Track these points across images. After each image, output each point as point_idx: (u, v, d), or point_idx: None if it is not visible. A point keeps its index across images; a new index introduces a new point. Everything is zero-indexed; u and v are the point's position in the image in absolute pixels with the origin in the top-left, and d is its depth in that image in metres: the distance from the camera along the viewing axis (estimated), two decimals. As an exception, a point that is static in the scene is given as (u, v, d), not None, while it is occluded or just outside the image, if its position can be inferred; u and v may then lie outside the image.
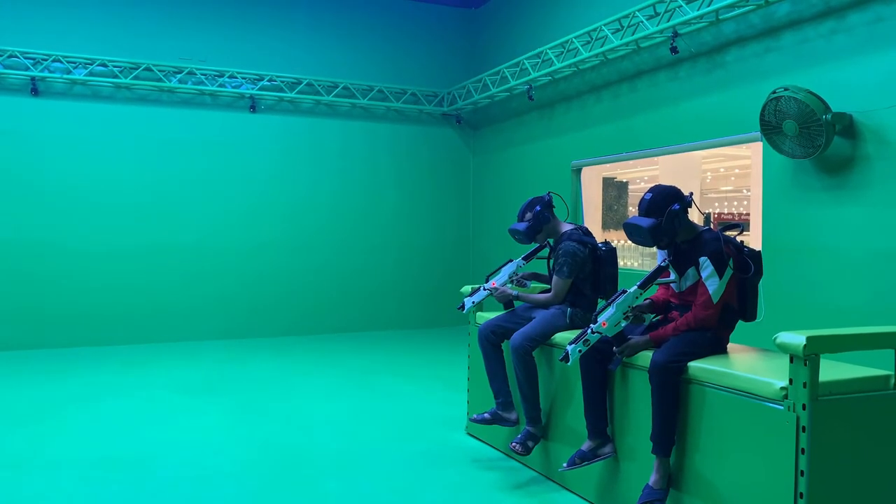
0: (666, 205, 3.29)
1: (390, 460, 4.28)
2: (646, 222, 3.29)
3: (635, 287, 3.38)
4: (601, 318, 3.34)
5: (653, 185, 3.49)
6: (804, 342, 2.55)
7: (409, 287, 9.79)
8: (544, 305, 4.21)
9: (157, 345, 8.32)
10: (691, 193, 3.39)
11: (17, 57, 7.83)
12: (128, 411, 5.34)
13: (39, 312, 8.01)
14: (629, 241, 8.43)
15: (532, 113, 8.58)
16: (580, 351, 3.35)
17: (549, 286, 4.32)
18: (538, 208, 4.24)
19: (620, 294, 3.37)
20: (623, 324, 3.36)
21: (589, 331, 3.35)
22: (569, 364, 3.37)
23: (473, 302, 4.47)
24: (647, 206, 3.33)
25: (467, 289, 4.73)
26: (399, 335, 9.26)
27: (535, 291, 4.44)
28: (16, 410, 5.34)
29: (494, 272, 4.46)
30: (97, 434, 4.76)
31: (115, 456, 4.31)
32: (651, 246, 3.37)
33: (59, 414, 5.25)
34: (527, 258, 4.48)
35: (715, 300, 3.19)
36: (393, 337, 9.12)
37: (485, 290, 4.42)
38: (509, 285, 4.39)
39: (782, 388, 2.67)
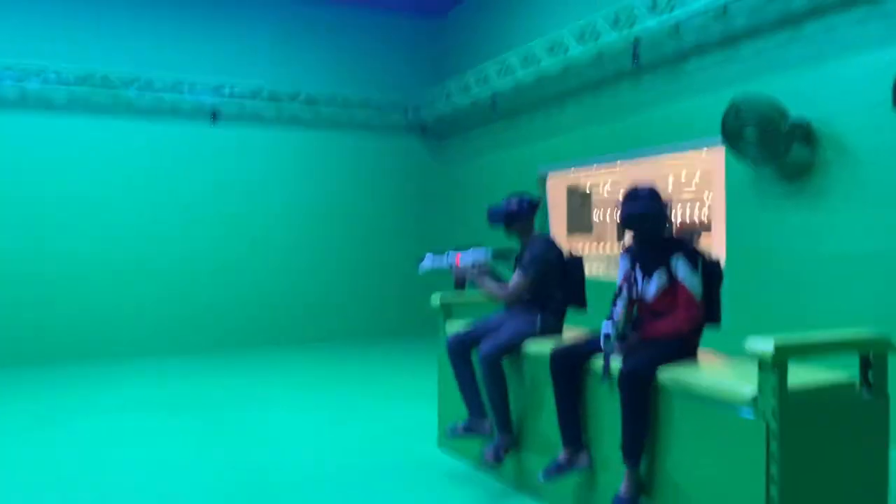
0: (660, 196, 3.37)
1: (360, 477, 4.20)
2: (642, 207, 3.31)
3: (624, 293, 3.38)
4: (618, 312, 3.29)
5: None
6: (772, 349, 2.57)
7: (375, 298, 9.70)
8: (497, 297, 4.23)
9: (124, 361, 8.06)
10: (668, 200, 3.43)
11: (-36, 66, 7.58)
12: (93, 431, 5.16)
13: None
14: (591, 250, 8.50)
15: (498, 122, 8.60)
16: (611, 337, 3.26)
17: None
18: (526, 200, 4.27)
19: (619, 291, 3.37)
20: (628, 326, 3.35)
21: (614, 320, 3.27)
22: (607, 350, 3.26)
23: (432, 265, 4.46)
24: (638, 194, 3.35)
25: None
26: (364, 346, 9.16)
27: None
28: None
29: (462, 248, 4.46)
30: (61, 455, 4.59)
31: (79, 478, 4.16)
32: (656, 230, 3.35)
33: (25, 435, 5.06)
34: (496, 255, 4.46)
35: (698, 298, 3.23)
36: (358, 348, 9.01)
37: (448, 263, 4.41)
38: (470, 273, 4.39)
39: (753, 398, 2.68)
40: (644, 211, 3.34)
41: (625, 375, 3.13)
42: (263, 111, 9.07)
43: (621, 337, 3.29)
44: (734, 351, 3.37)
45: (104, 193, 8.26)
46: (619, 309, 3.30)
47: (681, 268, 3.25)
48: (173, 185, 8.58)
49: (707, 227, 7.43)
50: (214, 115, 8.75)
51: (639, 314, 3.47)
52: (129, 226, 8.37)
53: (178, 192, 8.60)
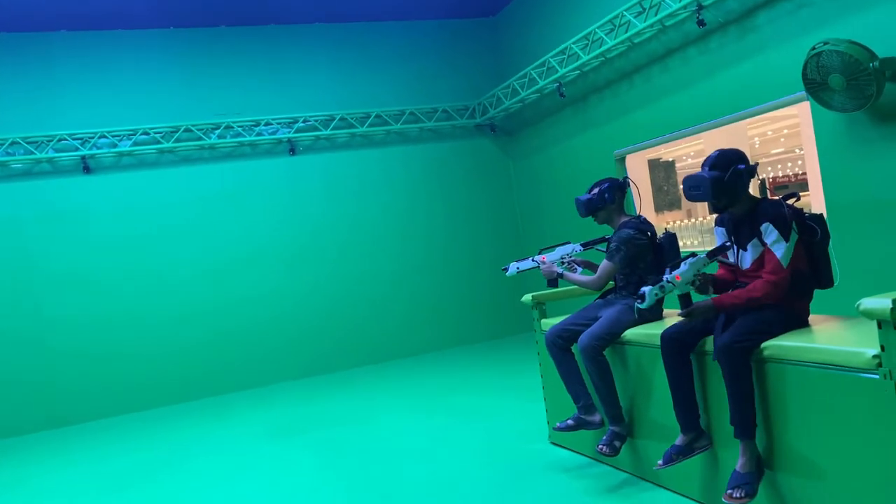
0: (731, 163, 3.25)
1: (479, 480, 4.26)
2: (709, 174, 3.24)
3: (704, 255, 3.32)
4: (676, 272, 3.29)
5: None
6: (891, 305, 2.43)
7: (467, 302, 9.78)
8: (586, 287, 4.19)
9: (231, 395, 8.54)
10: (756, 164, 3.32)
11: (66, 140, 8.21)
12: (219, 464, 5.48)
13: (109, 382, 8.26)
14: (685, 222, 8.24)
15: (566, 109, 8.51)
16: (656, 294, 3.33)
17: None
18: (606, 185, 4.21)
19: (691, 256, 3.32)
20: (690, 288, 3.32)
21: (665, 279, 3.30)
22: (642, 306, 3.34)
23: (518, 268, 4.47)
24: (712, 161, 3.28)
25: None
26: (463, 351, 9.25)
27: None
28: (111, 478, 5.54)
29: (549, 248, 4.45)
30: (197, 491, 4.90)
31: (211, 510, 4.42)
32: (709, 200, 3.27)
33: (156, 475, 5.42)
34: (585, 245, 4.43)
35: (784, 264, 3.10)
36: (457, 354, 9.11)
37: (533, 261, 4.41)
38: (558, 265, 4.36)
39: (874, 357, 2.55)
40: (698, 182, 3.25)
41: (720, 348, 3.06)
42: (337, 137, 9.35)
43: (685, 300, 3.29)
44: (847, 312, 3.21)
45: (200, 236, 8.73)
46: (683, 269, 3.28)
47: (769, 234, 3.14)
48: (255, 217, 8.95)
49: (804, 181, 7.07)
50: (293, 150, 9.09)
51: (739, 283, 3.39)
52: (225, 264, 8.80)
53: (259, 223, 8.96)
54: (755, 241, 3.22)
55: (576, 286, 4.30)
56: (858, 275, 4.76)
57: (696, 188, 3.28)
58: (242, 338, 8.79)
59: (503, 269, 4.55)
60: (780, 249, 3.11)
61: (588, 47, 7.31)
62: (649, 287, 3.34)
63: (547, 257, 4.38)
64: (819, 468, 2.85)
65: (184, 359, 8.53)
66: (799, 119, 6.65)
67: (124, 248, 8.42)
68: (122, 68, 8.55)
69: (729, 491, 3.02)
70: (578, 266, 4.38)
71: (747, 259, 3.29)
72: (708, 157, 3.34)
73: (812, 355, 2.82)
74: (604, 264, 4.11)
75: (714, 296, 3.34)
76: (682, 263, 3.32)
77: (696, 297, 3.44)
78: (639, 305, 3.38)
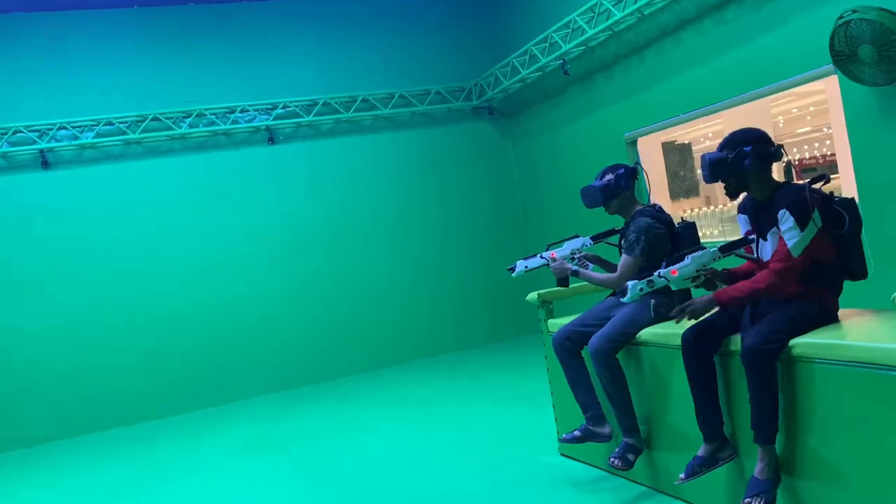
0: (741, 143, 3.29)
1: (483, 496, 4.26)
2: (711, 154, 3.32)
3: (716, 248, 3.33)
4: (673, 266, 3.32)
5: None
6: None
7: (467, 301, 9.77)
8: (606, 286, 4.16)
9: (209, 409, 8.52)
10: (781, 146, 3.29)
11: (22, 132, 8.17)
12: (198, 485, 5.46)
13: (74, 398, 8.18)
14: (703, 209, 8.24)
15: (571, 89, 8.49)
16: (642, 290, 3.38)
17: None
18: (621, 171, 4.19)
19: (698, 249, 3.33)
20: (691, 283, 3.34)
21: (657, 274, 3.36)
22: (625, 300, 3.40)
23: (526, 267, 4.40)
24: (724, 142, 3.35)
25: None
26: (463, 356, 9.25)
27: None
28: (81, 500, 5.51)
29: (557, 243, 4.41)
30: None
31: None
32: (712, 181, 3.33)
33: (131, 498, 5.40)
34: (595, 238, 4.40)
35: (795, 253, 3.10)
36: (457, 359, 9.10)
37: (542, 258, 4.35)
38: (569, 261, 4.33)
39: (914, 355, 2.55)
40: (703, 163, 3.31)
41: (748, 349, 3.05)
42: (320, 123, 9.32)
43: (681, 296, 3.38)
44: (882, 305, 3.20)
45: (171, 235, 8.70)
46: (683, 264, 3.30)
47: (785, 221, 3.12)
48: (231, 213, 8.92)
49: (833, 163, 7.06)
50: (272, 138, 9.06)
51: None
52: (198, 266, 8.77)
53: (236, 219, 8.93)
54: (774, 229, 3.21)
55: (586, 282, 4.27)
56: (893, 264, 4.76)
57: (702, 168, 3.37)
58: (220, 347, 8.76)
59: (509, 269, 4.46)
60: (794, 238, 3.10)
61: (594, 20, 7.29)
62: (634, 281, 3.33)
63: (556, 253, 4.34)
64: (846, 475, 2.84)
65: (156, 371, 8.50)
66: (826, 95, 6.63)
67: (87, 251, 8.38)
68: (83, 53, 8.51)
69: (748, 499, 3.03)
70: (589, 262, 4.35)
71: (768, 249, 3.27)
72: (724, 137, 3.37)
73: (843, 352, 2.81)
74: (624, 259, 4.07)
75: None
76: (686, 257, 3.31)
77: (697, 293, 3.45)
78: (621, 300, 3.41)
